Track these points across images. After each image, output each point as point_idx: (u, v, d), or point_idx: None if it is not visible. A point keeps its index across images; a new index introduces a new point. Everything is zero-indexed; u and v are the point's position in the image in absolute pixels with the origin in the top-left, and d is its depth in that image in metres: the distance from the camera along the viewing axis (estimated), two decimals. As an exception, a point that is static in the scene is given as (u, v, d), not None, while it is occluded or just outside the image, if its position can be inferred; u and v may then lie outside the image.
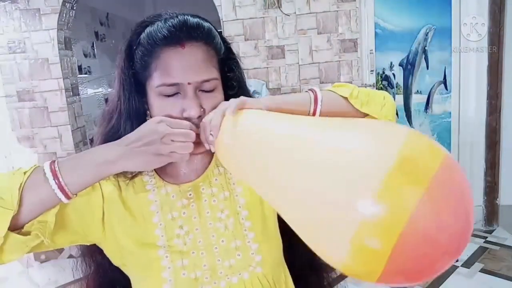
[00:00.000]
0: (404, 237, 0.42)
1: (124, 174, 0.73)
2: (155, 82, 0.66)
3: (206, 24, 0.68)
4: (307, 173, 0.50)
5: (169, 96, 0.67)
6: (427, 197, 0.42)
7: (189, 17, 0.67)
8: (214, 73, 0.68)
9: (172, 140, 0.61)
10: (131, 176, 0.74)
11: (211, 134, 0.63)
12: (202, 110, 0.67)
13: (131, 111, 0.70)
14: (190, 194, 0.74)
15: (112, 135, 0.71)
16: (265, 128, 0.60)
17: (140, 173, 0.75)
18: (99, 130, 0.75)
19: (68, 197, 0.61)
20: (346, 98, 0.71)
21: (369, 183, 0.43)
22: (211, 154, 0.79)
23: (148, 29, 0.67)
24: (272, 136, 0.58)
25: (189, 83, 0.65)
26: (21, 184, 0.59)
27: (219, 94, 0.70)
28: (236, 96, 0.74)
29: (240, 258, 0.72)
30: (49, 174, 0.60)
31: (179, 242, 0.71)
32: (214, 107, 0.68)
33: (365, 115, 0.72)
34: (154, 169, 0.76)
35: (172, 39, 0.65)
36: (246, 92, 0.78)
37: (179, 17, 0.67)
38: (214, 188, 0.76)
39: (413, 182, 0.43)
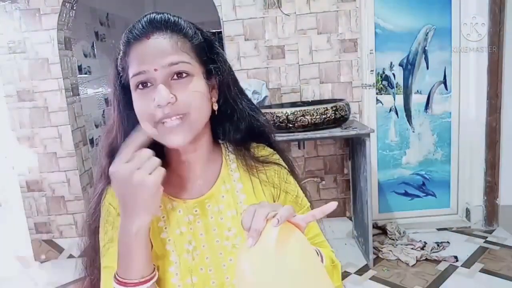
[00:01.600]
0: None
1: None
2: (130, 77, 0.68)
3: (172, 18, 0.70)
4: None
5: (143, 89, 0.67)
6: None
7: (155, 14, 0.70)
8: (184, 57, 0.67)
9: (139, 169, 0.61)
10: None
11: (251, 237, 0.58)
12: (172, 97, 0.65)
13: (123, 119, 0.72)
14: (196, 211, 0.74)
15: (114, 144, 0.73)
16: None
17: None
18: (104, 144, 0.76)
19: (147, 281, 0.65)
20: None
21: None
22: (217, 171, 0.78)
23: (123, 35, 0.70)
24: None
25: (155, 69, 0.66)
26: None
27: (194, 82, 0.68)
28: (225, 87, 0.74)
29: None
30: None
31: (188, 257, 0.72)
32: (188, 96, 0.67)
33: None
34: None
35: (140, 34, 0.67)
36: (235, 84, 0.77)
37: (147, 15, 0.70)
38: (221, 205, 0.75)
39: None
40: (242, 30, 2.60)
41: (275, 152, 0.84)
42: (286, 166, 0.83)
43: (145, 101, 0.67)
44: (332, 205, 0.60)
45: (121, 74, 0.71)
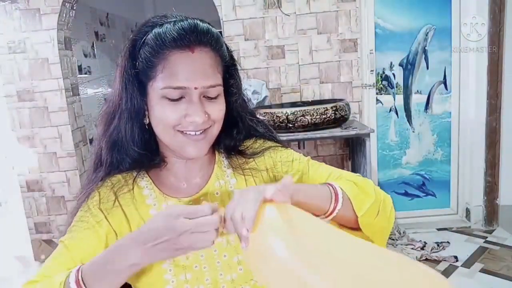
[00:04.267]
0: None
1: (121, 188, 0.73)
2: (160, 84, 0.66)
3: (214, 31, 0.68)
4: None
5: (172, 100, 0.66)
6: None
7: (199, 21, 0.67)
8: (219, 79, 0.69)
9: (193, 232, 0.57)
10: (130, 188, 0.74)
11: (247, 229, 0.56)
12: (206, 116, 0.67)
13: (132, 111, 0.70)
14: None
15: (115, 136, 0.71)
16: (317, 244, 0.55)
17: (137, 185, 0.75)
18: (101, 131, 0.74)
19: None
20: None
21: None
22: (211, 167, 0.79)
23: (156, 30, 0.66)
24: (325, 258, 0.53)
25: (195, 88, 0.65)
26: None
27: (221, 100, 0.71)
28: (236, 102, 0.75)
29: (242, 272, 0.72)
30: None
31: (182, 257, 0.71)
32: (218, 114, 0.69)
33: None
34: (154, 183, 0.76)
35: (182, 42, 0.64)
36: (243, 99, 0.79)
37: (189, 20, 0.66)
38: (216, 203, 0.75)
39: None
40: (242, 30, 2.60)
41: (256, 138, 0.83)
42: (271, 144, 0.83)
43: (172, 111, 0.66)
44: (289, 178, 0.62)
45: (140, 69, 0.68)
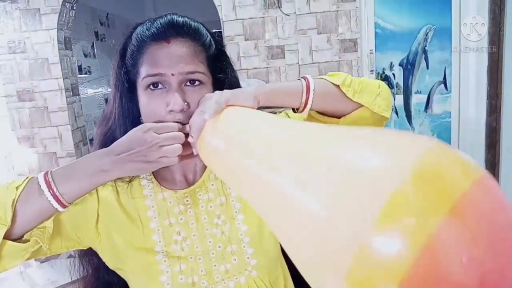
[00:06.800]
0: (412, 275, 0.32)
1: (121, 178, 0.73)
2: (142, 75, 0.67)
3: (193, 23, 0.69)
4: (300, 188, 0.42)
5: (154, 90, 0.67)
6: (450, 222, 0.32)
7: (176, 16, 0.69)
8: (200, 67, 0.68)
9: (161, 146, 0.61)
10: (129, 179, 0.74)
11: (191, 135, 0.62)
12: (186, 104, 0.66)
13: (124, 111, 0.71)
14: (187, 201, 0.75)
15: (109, 136, 0.72)
16: (255, 130, 0.56)
17: (137, 176, 0.75)
18: (98, 131, 0.76)
19: (64, 206, 0.62)
20: (338, 86, 0.70)
21: (372, 205, 0.34)
22: None
23: (138, 29, 0.70)
24: (263, 140, 0.53)
25: (172, 74, 0.65)
26: (14, 199, 0.60)
27: (206, 90, 0.69)
28: None
29: (236, 263, 0.72)
30: (44, 186, 0.60)
31: (177, 248, 0.72)
32: (197, 103, 0.68)
33: (359, 105, 0.71)
34: (153, 174, 0.76)
35: (159, 36, 0.66)
36: None
37: (167, 16, 0.69)
38: (211, 194, 0.76)
39: (432, 201, 0.33)
40: (242, 30, 2.61)
41: None
42: None
43: (155, 103, 0.67)
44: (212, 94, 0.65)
45: (128, 68, 0.70)
